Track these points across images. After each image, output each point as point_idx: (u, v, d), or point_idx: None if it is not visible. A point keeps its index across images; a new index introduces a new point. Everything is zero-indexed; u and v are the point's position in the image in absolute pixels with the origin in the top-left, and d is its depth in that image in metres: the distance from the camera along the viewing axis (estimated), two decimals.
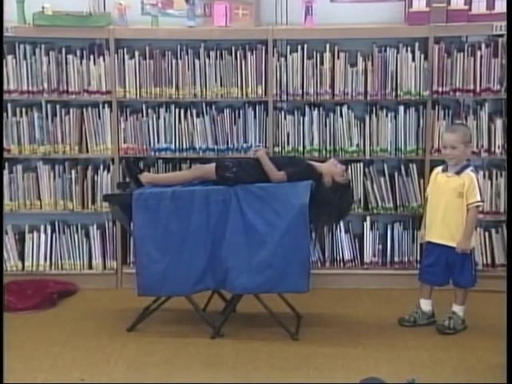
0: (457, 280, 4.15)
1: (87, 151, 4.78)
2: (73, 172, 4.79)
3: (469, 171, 4.12)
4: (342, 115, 4.69)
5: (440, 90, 4.61)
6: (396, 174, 4.74)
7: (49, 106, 4.73)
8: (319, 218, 4.13)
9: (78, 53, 4.68)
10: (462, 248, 4.08)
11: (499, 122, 4.63)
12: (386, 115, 4.68)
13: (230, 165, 4.12)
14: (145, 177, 4.28)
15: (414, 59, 4.60)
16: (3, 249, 4.80)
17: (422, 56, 4.59)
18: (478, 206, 4.12)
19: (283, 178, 4.07)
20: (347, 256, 4.82)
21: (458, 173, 4.10)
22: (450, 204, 4.09)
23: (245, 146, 4.73)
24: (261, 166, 4.12)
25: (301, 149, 4.71)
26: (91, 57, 4.67)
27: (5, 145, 4.72)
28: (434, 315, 4.25)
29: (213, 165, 4.19)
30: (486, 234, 4.75)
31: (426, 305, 4.23)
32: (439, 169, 4.22)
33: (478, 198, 4.09)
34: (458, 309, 4.16)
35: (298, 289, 4.04)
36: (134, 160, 4.66)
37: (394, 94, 4.64)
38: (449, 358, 3.86)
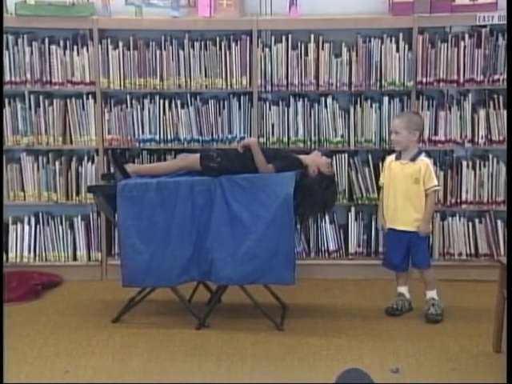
0: (414, 262, 4.24)
1: (71, 142, 4.76)
2: (57, 163, 4.77)
3: (423, 157, 4.20)
4: (326, 106, 4.69)
5: (424, 80, 4.62)
6: (380, 165, 4.73)
7: (32, 97, 4.70)
8: (304, 210, 4.13)
9: (62, 43, 4.65)
10: (424, 231, 4.19)
11: (482, 113, 4.65)
12: (371, 106, 4.69)
13: (215, 155, 4.12)
14: (130, 167, 4.27)
15: (398, 50, 4.61)
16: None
17: (406, 46, 4.60)
18: (435, 191, 4.23)
19: (271, 172, 4.07)
20: (332, 246, 4.83)
21: (413, 159, 4.17)
22: (408, 190, 4.17)
23: (229, 136, 4.72)
24: (246, 156, 4.11)
25: (285, 139, 4.71)
26: (75, 47, 4.64)
27: None
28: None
29: (197, 155, 4.18)
30: (470, 223, 4.78)
31: (406, 291, 4.30)
32: (392, 157, 4.29)
33: (436, 183, 4.21)
34: (433, 294, 4.21)
35: (284, 280, 4.04)
36: (121, 151, 4.66)
37: (378, 84, 4.65)
38: (432, 347, 3.89)
